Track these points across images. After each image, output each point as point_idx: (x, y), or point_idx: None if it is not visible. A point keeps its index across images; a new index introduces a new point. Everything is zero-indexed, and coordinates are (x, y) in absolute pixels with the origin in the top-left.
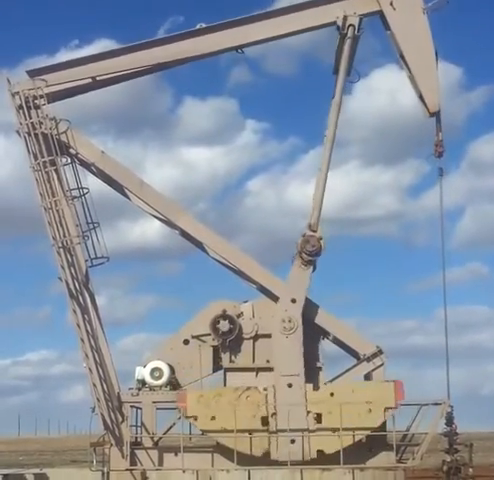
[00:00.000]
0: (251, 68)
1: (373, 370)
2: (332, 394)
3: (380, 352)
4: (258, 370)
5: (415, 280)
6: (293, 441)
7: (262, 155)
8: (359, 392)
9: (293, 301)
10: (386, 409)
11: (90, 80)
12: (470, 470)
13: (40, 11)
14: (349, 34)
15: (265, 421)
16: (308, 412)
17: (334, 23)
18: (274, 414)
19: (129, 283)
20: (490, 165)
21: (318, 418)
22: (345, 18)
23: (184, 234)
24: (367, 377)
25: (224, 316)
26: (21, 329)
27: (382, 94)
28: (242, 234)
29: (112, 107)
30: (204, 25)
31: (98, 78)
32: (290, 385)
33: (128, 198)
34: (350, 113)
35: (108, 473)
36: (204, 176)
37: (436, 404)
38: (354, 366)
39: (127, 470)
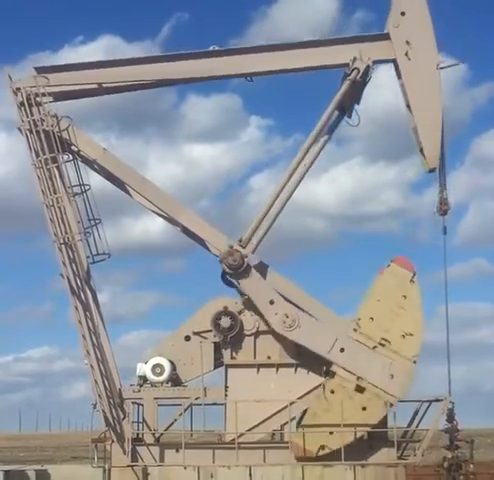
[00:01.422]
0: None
1: None
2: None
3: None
4: (259, 366)
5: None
6: None
7: (266, 152)
8: None
9: (271, 302)
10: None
11: (95, 86)
12: (471, 466)
13: (44, 7)
14: (351, 77)
15: None
16: None
17: (347, 65)
18: None
19: (131, 280)
20: None
21: None
22: (353, 60)
23: (185, 231)
24: None
25: (225, 312)
26: (23, 326)
27: (386, 90)
28: (245, 231)
29: (115, 103)
30: (217, 47)
31: (104, 85)
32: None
33: (130, 195)
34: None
35: (109, 469)
36: (207, 173)
37: (437, 400)
38: None
39: (128, 466)
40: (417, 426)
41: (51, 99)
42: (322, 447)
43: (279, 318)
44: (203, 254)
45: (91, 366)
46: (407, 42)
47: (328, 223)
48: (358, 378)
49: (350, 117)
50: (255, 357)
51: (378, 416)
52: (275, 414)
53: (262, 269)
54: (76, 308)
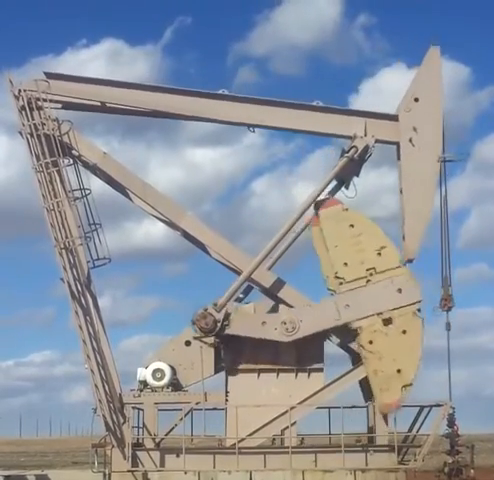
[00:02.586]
0: (258, 68)
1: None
2: None
3: None
4: (260, 371)
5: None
6: None
7: (268, 156)
8: None
9: (264, 323)
10: None
11: (98, 103)
12: (471, 471)
13: (47, 10)
14: (349, 154)
15: None
16: None
17: (350, 137)
18: None
19: (132, 284)
20: None
21: None
22: (353, 137)
23: (186, 235)
24: (366, 379)
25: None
26: (25, 330)
27: (389, 94)
28: (247, 235)
29: None
30: (226, 92)
31: (108, 105)
32: None
33: (130, 199)
34: None
35: (110, 474)
36: (209, 177)
37: (438, 405)
38: (356, 367)
39: (129, 471)
40: (418, 431)
41: (59, 106)
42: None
43: (279, 330)
44: (204, 258)
45: (91, 371)
46: (414, 128)
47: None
48: (378, 314)
49: (347, 188)
50: (256, 362)
51: (417, 327)
52: (276, 419)
53: None
54: (76, 313)
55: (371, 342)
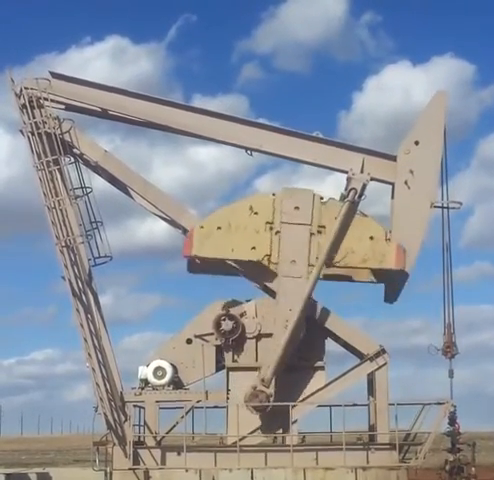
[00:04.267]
0: (262, 65)
1: (376, 370)
2: None
3: (383, 351)
4: (261, 369)
5: (422, 279)
6: None
7: None
8: None
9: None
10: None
11: (99, 109)
12: (473, 469)
13: (51, 7)
14: (349, 197)
15: None
16: None
17: (346, 172)
18: None
19: (135, 282)
20: None
21: None
22: (348, 180)
23: (187, 233)
24: (370, 377)
25: (227, 315)
26: (26, 328)
27: (394, 91)
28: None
29: None
30: (228, 113)
31: (110, 112)
32: None
33: (131, 197)
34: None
35: (111, 472)
36: (212, 175)
37: (439, 403)
38: (357, 365)
39: (130, 469)
40: (419, 429)
41: (63, 107)
42: None
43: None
44: None
45: (92, 369)
46: (411, 171)
47: None
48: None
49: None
50: (257, 360)
51: None
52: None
53: None
54: (77, 311)
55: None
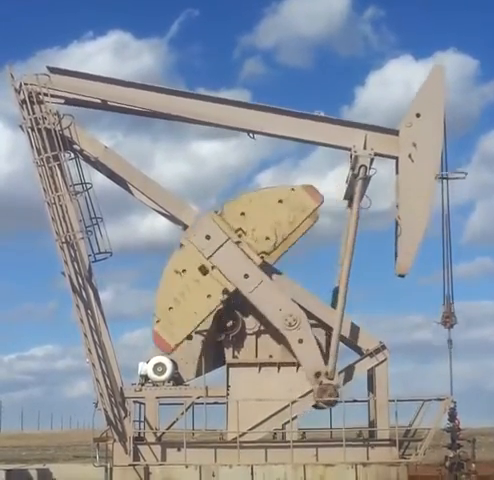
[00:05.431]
0: (265, 59)
1: (376, 365)
2: None
3: (383, 347)
4: (261, 365)
5: (423, 274)
6: None
7: (273, 149)
8: None
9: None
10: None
11: (99, 100)
12: (473, 465)
13: (53, 2)
14: (360, 175)
15: None
16: None
17: (349, 149)
18: None
19: (135, 277)
20: None
21: None
22: (356, 158)
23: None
24: (370, 373)
25: (227, 311)
26: (27, 324)
27: (397, 86)
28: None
29: None
30: (228, 97)
31: (109, 103)
32: None
33: (131, 193)
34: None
35: (111, 468)
36: (214, 170)
37: (439, 399)
38: (357, 361)
39: (130, 465)
40: (419, 425)
41: (62, 101)
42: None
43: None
44: None
45: (92, 365)
46: (414, 144)
47: (334, 220)
48: None
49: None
50: (257, 356)
51: None
52: (277, 413)
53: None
54: (77, 306)
55: None
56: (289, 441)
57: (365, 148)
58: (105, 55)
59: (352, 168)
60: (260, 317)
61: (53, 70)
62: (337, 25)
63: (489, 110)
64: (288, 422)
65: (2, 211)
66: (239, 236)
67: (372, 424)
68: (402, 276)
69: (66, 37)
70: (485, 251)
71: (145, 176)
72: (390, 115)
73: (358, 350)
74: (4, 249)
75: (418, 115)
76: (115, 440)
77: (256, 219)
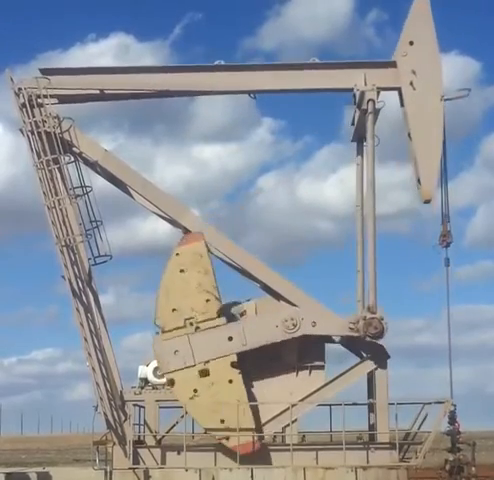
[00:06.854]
0: (267, 62)
1: (376, 369)
2: None
3: (383, 350)
4: (261, 369)
5: (426, 278)
6: None
7: (275, 153)
8: None
9: None
10: None
11: (97, 91)
12: (473, 469)
13: (56, 5)
14: (370, 109)
15: None
16: None
17: (351, 89)
18: None
19: (136, 281)
20: None
21: None
22: (362, 94)
23: (187, 232)
24: (370, 376)
25: (226, 315)
26: (27, 328)
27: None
28: (254, 232)
29: (125, 103)
30: (222, 62)
31: (106, 91)
32: None
33: (131, 196)
34: None
35: (111, 472)
36: (216, 174)
37: (439, 403)
38: (356, 365)
39: (130, 469)
40: (419, 428)
41: (56, 101)
42: None
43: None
44: None
45: (92, 368)
46: (413, 71)
47: (336, 224)
48: None
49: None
50: (257, 359)
51: None
52: (277, 416)
53: None
54: (77, 310)
55: None
56: (289, 444)
57: (366, 85)
58: (107, 58)
59: (358, 106)
60: None
61: (45, 71)
62: (340, 28)
63: (492, 113)
64: (288, 425)
65: (2, 215)
66: (191, 324)
67: (372, 427)
68: (428, 202)
69: (69, 40)
70: (486, 255)
71: (145, 179)
72: (395, 118)
73: (358, 354)
74: (5, 252)
75: (411, 43)
76: (115, 443)
77: (188, 301)
